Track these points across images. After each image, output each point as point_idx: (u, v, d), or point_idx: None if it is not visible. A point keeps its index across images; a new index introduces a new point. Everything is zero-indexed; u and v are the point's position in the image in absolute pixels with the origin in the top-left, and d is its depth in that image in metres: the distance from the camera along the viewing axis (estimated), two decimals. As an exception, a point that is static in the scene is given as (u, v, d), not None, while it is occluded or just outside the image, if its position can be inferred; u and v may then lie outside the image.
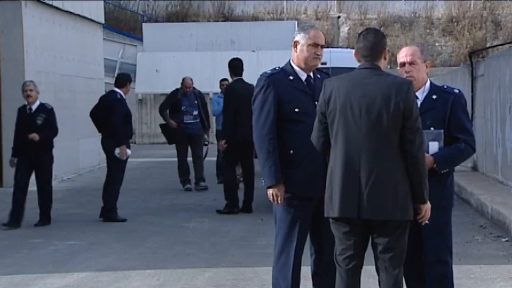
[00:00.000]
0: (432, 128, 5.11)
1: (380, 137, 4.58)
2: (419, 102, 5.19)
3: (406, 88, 4.64)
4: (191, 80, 13.86)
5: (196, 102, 13.69)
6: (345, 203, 4.59)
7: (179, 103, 13.61)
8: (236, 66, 11.45)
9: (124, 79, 10.88)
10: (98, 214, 11.30)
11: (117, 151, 10.53)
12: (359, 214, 4.57)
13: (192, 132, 13.67)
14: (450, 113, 5.17)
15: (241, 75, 11.40)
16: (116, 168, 10.69)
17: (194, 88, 13.88)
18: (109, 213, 10.60)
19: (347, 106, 4.63)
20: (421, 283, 5.28)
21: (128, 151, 10.62)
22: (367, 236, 4.73)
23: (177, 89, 13.90)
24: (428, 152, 5.07)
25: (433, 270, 5.20)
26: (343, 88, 4.67)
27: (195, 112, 13.70)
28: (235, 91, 10.96)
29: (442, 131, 5.15)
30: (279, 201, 5.26)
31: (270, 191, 5.28)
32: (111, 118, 10.54)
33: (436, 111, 5.18)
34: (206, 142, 14.10)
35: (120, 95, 10.70)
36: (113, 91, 10.81)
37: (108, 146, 10.67)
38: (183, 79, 13.89)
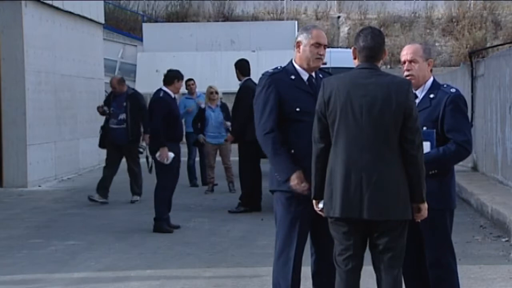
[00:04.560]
0: (424, 128, 5.08)
1: (381, 137, 4.58)
2: (417, 101, 5.19)
3: (406, 88, 4.65)
4: (120, 80, 12.45)
5: (124, 104, 12.18)
6: (347, 203, 4.59)
7: (110, 105, 12.32)
8: (243, 66, 11.59)
9: (171, 76, 10.06)
10: (98, 214, 11.31)
11: (157, 154, 9.76)
12: (361, 215, 4.57)
13: (115, 140, 12.22)
14: (442, 113, 5.14)
15: (249, 75, 11.51)
16: (162, 174, 9.84)
17: (129, 88, 12.56)
18: (156, 223, 9.80)
19: (348, 106, 4.62)
20: (422, 286, 5.27)
21: (171, 154, 9.75)
22: (366, 236, 4.73)
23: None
24: None
25: (433, 272, 5.18)
26: (343, 88, 4.67)
27: (121, 116, 12.19)
28: (252, 90, 10.92)
29: (434, 131, 5.12)
30: (304, 187, 5.14)
31: (291, 183, 5.18)
32: (149, 119, 10.07)
33: (430, 110, 5.16)
34: (141, 149, 12.41)
35: (164, 93, 9.96)
36: (158, 90, 10.08)
37: (151, 149, 10.00)
38: (110, 79, 12.65)
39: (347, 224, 4.66)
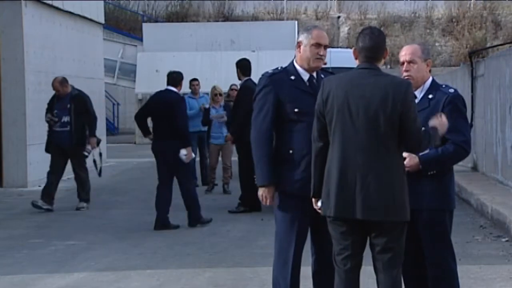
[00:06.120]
0: (423, 128, 5.07)
1: (377, 138, 4.58)
2: (416, 101, 5.18)
3: (404, 89, 4.64)
4: (62, 81, 11.66)
5: (68, 106, 11.50)
6: (341, 203, 4.60)
7: (53, 107, 11.64)
8: (245, 65, 11.57)
9: (178, 77, 10.15)
10: (98, 214, 11.30)
11: (183, 152, 9.74)
12: (354, 214, 4.57)
13: (59, 143, 11.56)
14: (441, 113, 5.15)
15: (250, 75, 11.50)
16: (188, 173, 10.16)
17: (73, 88, 11.78)
18: (199, 219, 10.09)
19: (345, 106, 4.62)
20: (421, 287, 5.27)
21: (193, 154, 9.99)
22: (365, 236, 4.73)
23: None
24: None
25: (432, 272, 5.17)
26: (341, 88, 4.67)
27: (65, 119, 11.48)
28: (252, 90, 10.91)
29: None
30: (268, 202, 5.27)
31: (260, 191, 5.28)
32: (177, 118, 9.80)
33: (429, 110, 5.15)
34: (86, 153, 11.73)
35: (179, 94, 10.08)
36: (170, 90, 10.06)
37: (172, 149, 9.80)
38: (52, 81, 11.86)
39: (344, 223, 4.66)
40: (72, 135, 11.45)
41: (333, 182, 4.62)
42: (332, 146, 4.68)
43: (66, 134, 11.45)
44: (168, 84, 10.15)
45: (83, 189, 11.79)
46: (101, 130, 18.88)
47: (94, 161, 11.80)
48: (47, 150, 11.81)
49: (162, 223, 9.90)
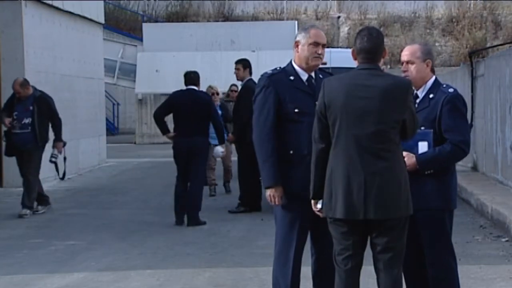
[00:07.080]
0: (422, 128, 5.08)
1: (381, 137, 4.59)
2: (418, 101, 5.19)
3: (406, 88, 4.66)
4: (23, 83, 11.24)
5: (31, 108, 11.04)
6: (351, 204, 4.58)
7: (13, 108, 11.14)
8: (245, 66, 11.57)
9: (197, 76, 10.44)
10: (98, 214, 11.30)
11: (220, 149, 10.54)
12: (365, 215, 4.57)
13: (18, 145, 11.08)
14: (440, 113, 5.13)
15: (250, 75, 11.50)
16: (201, 172, 10.41)
17: (35, 90, 11.33)
18: (198, 220, 10.23)
19: (347, 107, 4.62)
20: (422, 286, 5.27)
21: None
22: (365, 236, 4.73)
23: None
24: (417, 152, 5.06)
25: (432, 272, 5.17)
26: (343, 89, 4.67)
27: (26, 120, 10.99)
28: (253, 90, 10.87)
29: (431, 131, 5.13)
30: (277, 202, 5.27)
31: (268, 192, 5.29)
32: (215, 117, 10.40)
33: (429, 110, 5.16)
34: (53, 158, 11.37)
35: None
36: (196, 90, 10.36)
37: (200, 145, 10.19)
38: (12, 83, 11.41)
39: (346, 224, 4.66)
40: (35, 137, 11.02)
41: (339, 184, 4.62)
42: (335, 147, 4.67)
43: (26, 136, 10.99)
44: (187, 84, 10.36)
45: (29, 196, 11.06)
46: (101, 130, 18.95)
47: (55, 163, 11.41)
48: (9, 153, 11.42)
49: (183, 216, 10.21)
